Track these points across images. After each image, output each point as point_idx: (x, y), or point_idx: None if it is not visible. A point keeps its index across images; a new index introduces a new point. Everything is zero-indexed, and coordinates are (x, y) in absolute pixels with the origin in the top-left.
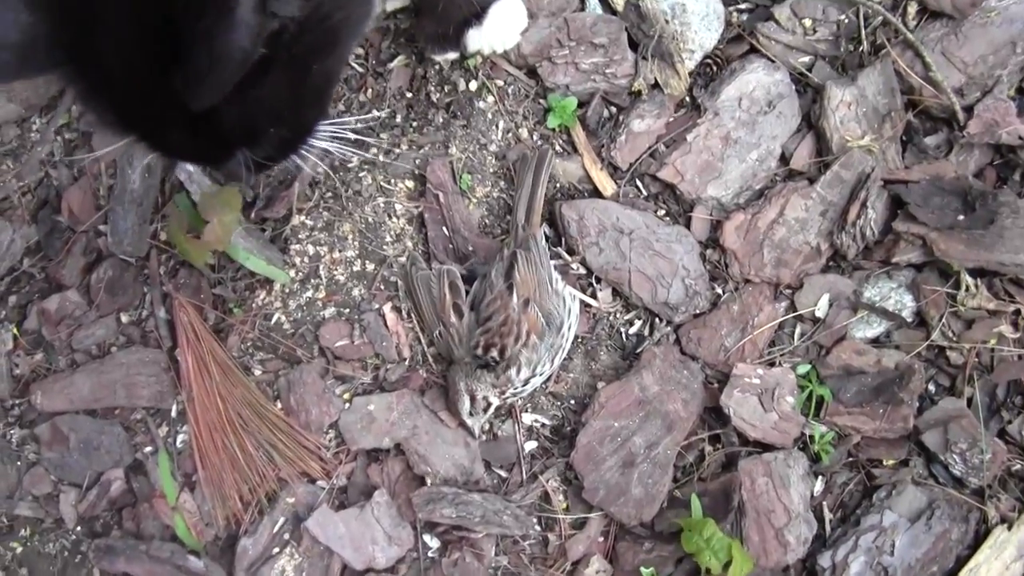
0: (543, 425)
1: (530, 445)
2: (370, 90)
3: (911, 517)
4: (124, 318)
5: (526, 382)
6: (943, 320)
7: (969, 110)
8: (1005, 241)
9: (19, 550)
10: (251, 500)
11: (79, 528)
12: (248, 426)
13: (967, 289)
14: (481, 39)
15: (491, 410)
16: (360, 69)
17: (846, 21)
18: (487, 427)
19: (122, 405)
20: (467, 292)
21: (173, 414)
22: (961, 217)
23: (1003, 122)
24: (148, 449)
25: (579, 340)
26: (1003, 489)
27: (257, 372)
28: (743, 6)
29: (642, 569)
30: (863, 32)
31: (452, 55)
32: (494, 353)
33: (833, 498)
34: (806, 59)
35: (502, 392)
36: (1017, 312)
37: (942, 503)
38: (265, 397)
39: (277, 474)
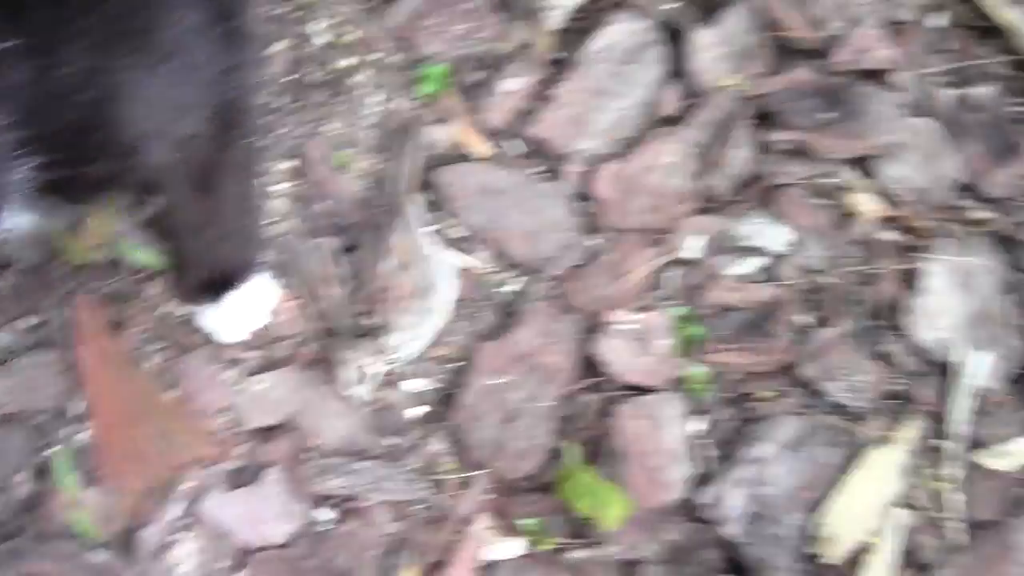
0: (428, 390)
1: (415, 411)
2: None
3: (790, 446)
4: (29, 321)
5: (406, 347)
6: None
7: (836, 39)
8: (875, 125)
9: None
10: (151, 489)
11: None
12: (144, 416)
13: (849, 188)
14: (209, 320)
15: (374, 379)
16: None
17: None
18: (372, 396)
19: (26, 408)
20: (346, 264)
21: (75, 412)
22: (828, 114)
23: (870, 47)
24: (52, 449)
25: (460, 302)
26: (879, 410)
27: (151, 363)
28: None
29: (525, 521)
30: None
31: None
32: (372, 320)
33: (713, 435)
34: (670, 6)
35: (382, 359)
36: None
37: (820, 430)
38: (160, 387)
39: (175, 461)
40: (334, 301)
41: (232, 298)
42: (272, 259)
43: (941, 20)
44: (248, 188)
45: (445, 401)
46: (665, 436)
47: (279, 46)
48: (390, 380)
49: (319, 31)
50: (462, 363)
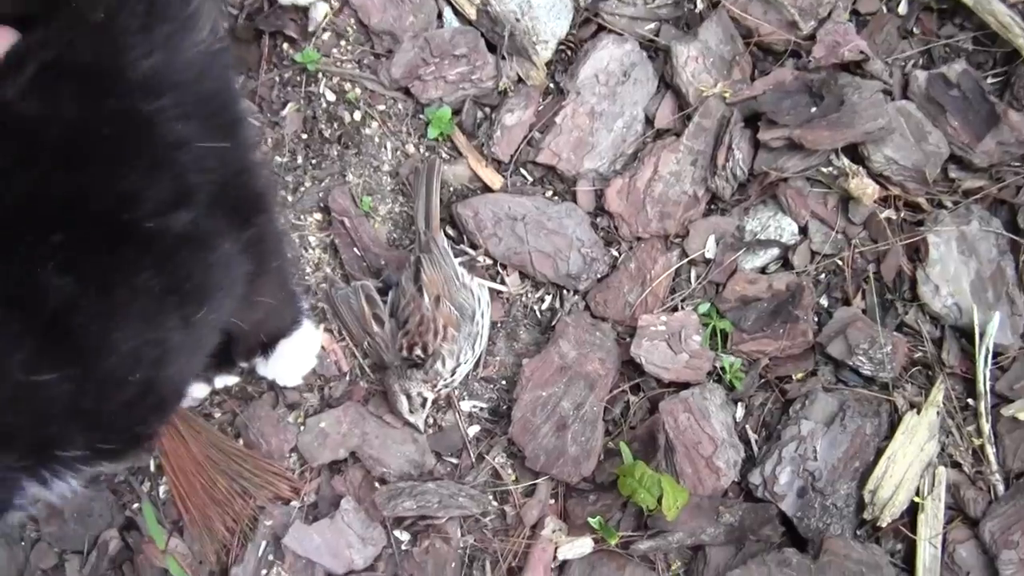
0: (481, 408)
1: (472, 429)
2: (269, 139)
3: (826, 421)
4: None
5: (453, 372)
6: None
7: (811, 38)
8: (859, 113)
9: None
10: (235, 531)
11: None
12: (218, 465)
13: (846, 174)
14: (268, 369)
15: (428, 404)
16: (257, 122)
17: None
18: (430, 420)
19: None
20: (385, 302)
21: (152, 469)
22: (814, 109)
23: (844, 41)
24: (136, 505)
25: (498, 325)
26: (909, 378)
27: (217, 415)
28: None
29: (590, 520)
30: None
31: (232, 379)
32: (418, 351)
33: (754, 419)
34: (651, 26)
35: (434, 385)
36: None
37: (852, 403)
38: (227, 436)
39: (253, 503)
40: (379, 338)
41: (283, 347)
42: (314, 305)
43: (903, 6)
44: (284, 270)
45: (500, 418)
46: (710, 425)
47: (290, 108)
48: (445, 403)
49: (324, 90)
50: (511, 380)
